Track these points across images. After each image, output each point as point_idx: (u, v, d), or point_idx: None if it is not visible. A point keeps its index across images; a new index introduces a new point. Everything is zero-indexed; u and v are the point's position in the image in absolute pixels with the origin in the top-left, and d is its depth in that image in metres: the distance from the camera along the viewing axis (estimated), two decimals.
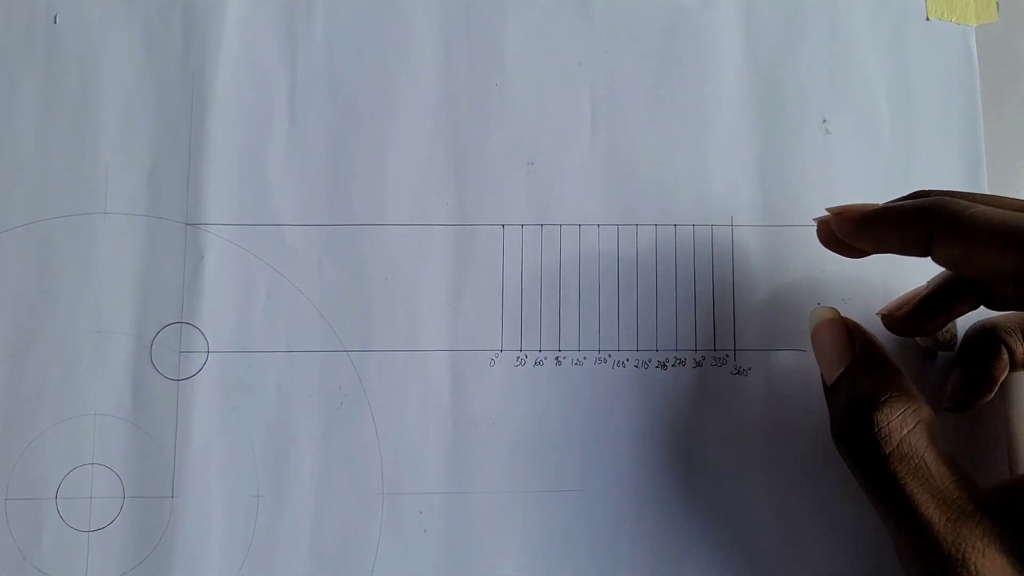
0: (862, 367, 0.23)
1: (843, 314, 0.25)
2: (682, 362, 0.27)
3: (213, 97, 0.27)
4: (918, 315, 0.26)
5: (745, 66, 0.28)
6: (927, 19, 0.29)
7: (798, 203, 0.28)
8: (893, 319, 0.26)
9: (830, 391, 0.23)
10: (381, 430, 0.26)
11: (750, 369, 0.27)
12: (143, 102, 0.27)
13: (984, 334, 0.26)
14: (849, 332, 0.23)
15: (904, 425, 0.21)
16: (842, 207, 0.24)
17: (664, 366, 0.27)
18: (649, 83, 0.28)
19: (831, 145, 0.28)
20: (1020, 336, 0.25)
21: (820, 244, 0.25)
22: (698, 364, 0.27)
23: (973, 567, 0.20)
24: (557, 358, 0.27)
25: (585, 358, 0.27)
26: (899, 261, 0.27)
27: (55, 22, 0.28)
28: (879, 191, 0.28)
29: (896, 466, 0.21)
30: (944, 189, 0.23)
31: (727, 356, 0.27)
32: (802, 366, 0.27)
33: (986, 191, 0.28)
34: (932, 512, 0.20)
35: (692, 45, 0.28)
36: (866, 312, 0.27)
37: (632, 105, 0.28)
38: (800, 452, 0.27)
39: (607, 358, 0.27)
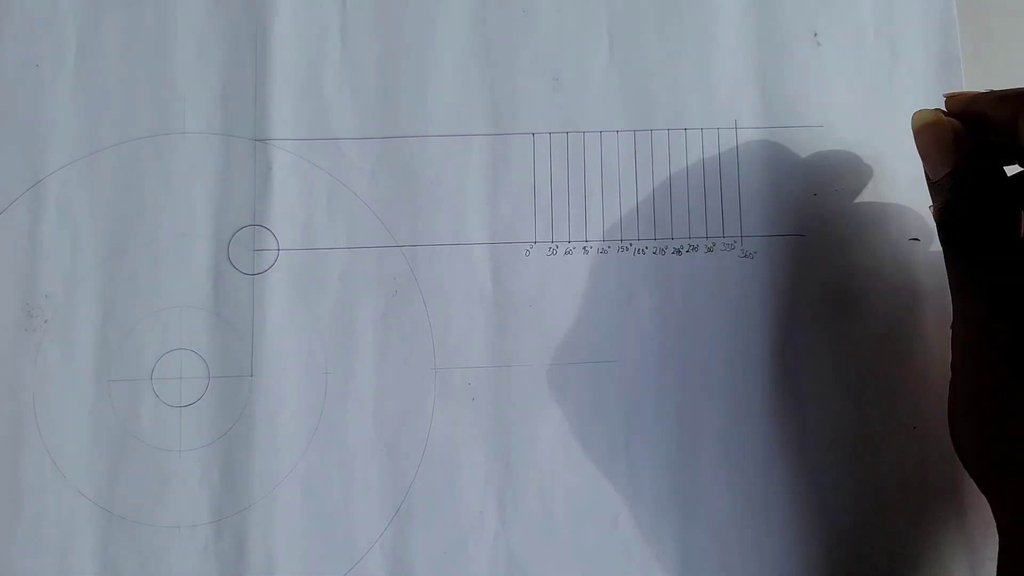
0: (970, 166, 0.25)
1: (841, 201, 0.29)
2: (695, 248, 0.30)
3: (274, 26, 0.31)
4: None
5: None
6: None
7: (794, 107, 0.31)
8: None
9: (935, 186, 0.26)
10: (432, 313, 0.30)
11: (756, 252, 0.30)
12: (213, 33, 0.31)
13: None
14: (953, 134, 0.26)
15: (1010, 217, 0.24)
16: (956, 92, 0.27)
17: (679, 252, 0.30)
18: (659, 4, 0.32)
19: (822, 56, 0.32)
20: None
21: (814, 144, 0.30)
22: (709, 249, 0.30)
23: None
24: (584, 247, 0.30)
25: (609, 247, 0.30)
26: (887, 158, 0.31)
27: None
28: (865, 96, 0.31)
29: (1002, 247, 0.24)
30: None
31: (735, 242, 0.30)
32: (799, 249, 0.30)
33: None
34: None
35: None
36: (855, 196, 0.31)
37: (644, 25, 0.31)
38: (799, 322, 0.30)
39: (628, 246, 0.30)
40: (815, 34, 0.32)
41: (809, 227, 0.30)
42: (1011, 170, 0.27)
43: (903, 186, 0.31)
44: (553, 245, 0.30)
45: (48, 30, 0.31)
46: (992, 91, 0.26)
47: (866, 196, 0.31)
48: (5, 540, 0.28)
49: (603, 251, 0.30)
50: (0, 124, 0.30)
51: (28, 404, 0.29)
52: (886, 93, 0.31)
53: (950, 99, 0.27)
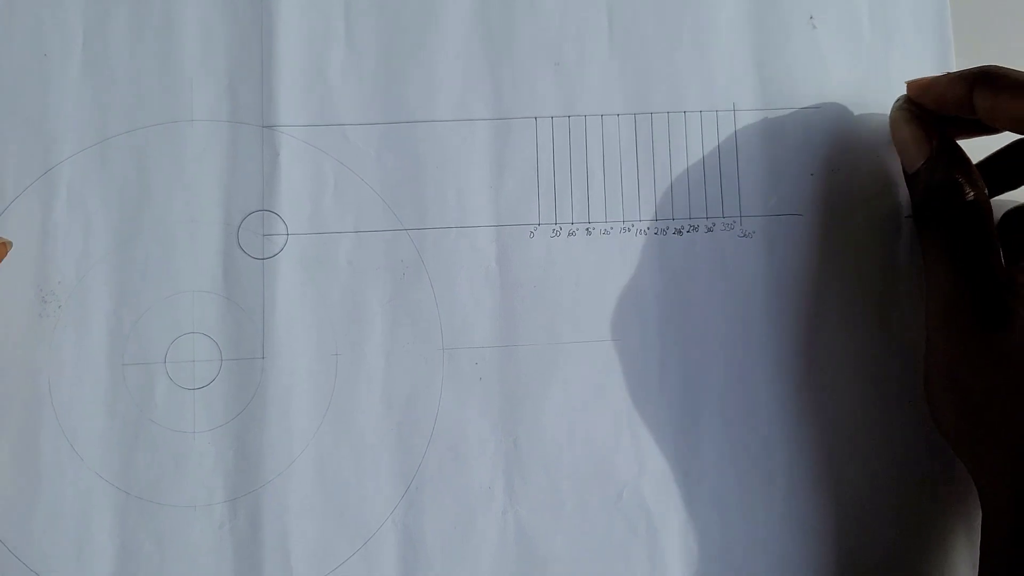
0: (940, 159, 0.28)
1: (838, 180, 0.30)
2: (695, 228, 0.31)
3: (280, 14, 0.31)
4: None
5: None
6: None
7: (791, 90, 0.32)
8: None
9: (911, 178, 0.29)
10: (439, 295, 0.31)
11: (755, 232, 0.31)
12: (219, 22, 0.31)
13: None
14: (926, 129, 0.28)
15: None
16: (916, 78, 0.30)
17: (680, 232, 0.31)
18: None
19: (818, 39, 0.32)
20: None
21: (811, 126, 0.31)
22: (709, 229, 0.31)
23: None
24: (587, 229, 0.31)
25: (611, 228, 0.31)
26: (882, 139, 0.32)
27: None
28: (861, 78, 0.32)
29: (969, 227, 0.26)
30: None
31: (734, 222, 0.31)
32: (797, 228, 0.31)
33: None
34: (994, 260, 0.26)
35: None
36: (851, 176, 0.31)
37: (643, 10, 0.32)
38: (798, 300, 0.31)
39: (630, 227, 0.31)
40: (811, 17, 0.32)
41: (807, 206, 0.31)
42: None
43: (898, 166, 0.31)
44: (556, 227, 0.31)
45: (56, 20, 0.31)
46: (948, 72, 0.28)
47: (862, 175, 0.31)
48: (24, 522, 0.29)
49: (605, 232, 0.31)
50: (10, 114, 0.31)
51: (44, 389, 0.30)
52: (881, 75, 0.32)
53: (910, 85, 0.29)
